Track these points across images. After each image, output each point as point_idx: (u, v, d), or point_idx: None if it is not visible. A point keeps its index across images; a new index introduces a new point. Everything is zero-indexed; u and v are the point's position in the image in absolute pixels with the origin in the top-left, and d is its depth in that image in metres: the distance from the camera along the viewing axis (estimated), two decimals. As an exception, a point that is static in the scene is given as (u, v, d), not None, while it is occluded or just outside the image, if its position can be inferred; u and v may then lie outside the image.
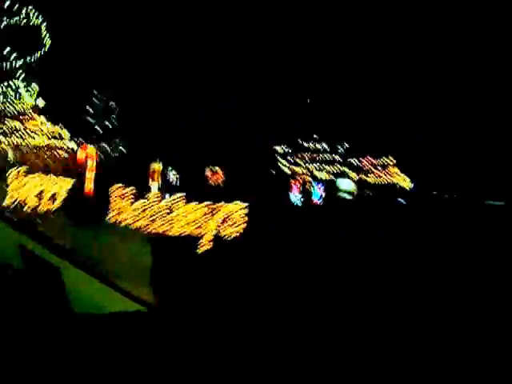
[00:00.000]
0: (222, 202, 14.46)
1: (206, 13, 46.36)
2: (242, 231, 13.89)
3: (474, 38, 41.72)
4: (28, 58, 33.66)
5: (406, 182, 47.09)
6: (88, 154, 16.14)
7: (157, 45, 47.90)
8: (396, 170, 47.66)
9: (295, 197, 29.21)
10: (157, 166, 19.55)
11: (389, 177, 46.89)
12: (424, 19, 43.78)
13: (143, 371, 3.39)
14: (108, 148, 55.92)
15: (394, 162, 47.37)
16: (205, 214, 13.42)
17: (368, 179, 47.16)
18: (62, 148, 44.84)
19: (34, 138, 33.15)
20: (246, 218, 13.97)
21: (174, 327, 4.38)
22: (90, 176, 15.47)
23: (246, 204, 14.39)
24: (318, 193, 30.41)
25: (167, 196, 18.90)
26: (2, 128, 30.50)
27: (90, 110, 55.52)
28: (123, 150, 57.40)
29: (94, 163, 16.08)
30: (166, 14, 46.39)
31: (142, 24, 45.59)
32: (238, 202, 14.63)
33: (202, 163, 51.04)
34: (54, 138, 44.59)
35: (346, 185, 45.34)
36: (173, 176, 53.85)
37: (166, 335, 4.10)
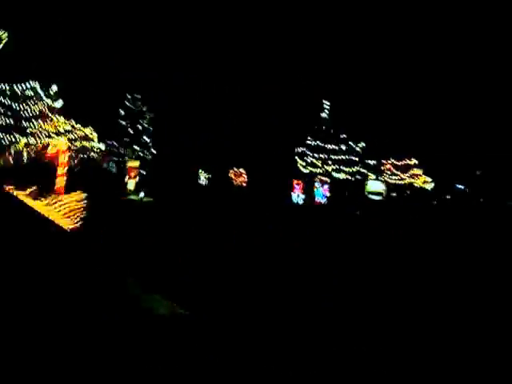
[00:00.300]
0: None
1: (236, 27, 47.38)
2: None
3: (499, 45, 40.84)
4: (45, 59, 35.11)
5: (428, 183, 46.46)
6: (60, 150, 16.85)
7: (186, 54, 49.52)
8: (419, 171, 47.07)
9: (297, 197, 29.71)
10: (133, 163, 20.03)
11: (412, 178, 46.36)
12: (447, 24, 43.22)
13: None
14: (140, 151, 58.05)
15: (417, 162, 46.79)
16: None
17: (391, 180, 46.81)
18: (91, 149, 47.01)
19: (52, 138, 34.78)
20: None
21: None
22: (61, 172, 16.12)
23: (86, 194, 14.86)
24: (321, 192, 30.74)
25: (142, 194, 19.75)
26: (20, 128, 31.99)
27: (121, 112, 57.96)
28: (154, 152, 59.50)
29: (66, 158, 16.83)
30: (199, 25, 47.79)
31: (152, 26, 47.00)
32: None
33: (228, 166, 52.36)
34: (85, 139, 46.84)
35: (376, 186, 45.19)
36: (204, 178, 55.49)
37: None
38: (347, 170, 43.64)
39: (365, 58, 44.19)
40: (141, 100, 59.04)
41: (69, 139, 43.36)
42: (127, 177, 19.74)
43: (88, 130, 46.10)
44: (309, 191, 29.65)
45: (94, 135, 47.17)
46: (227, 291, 6.53)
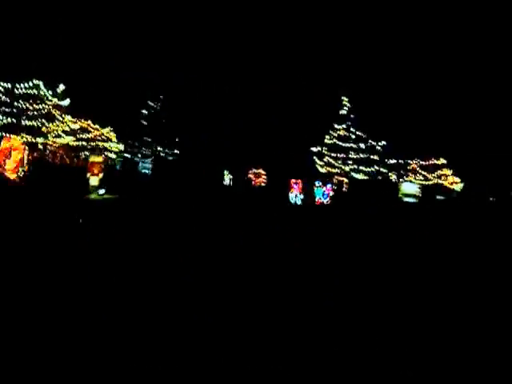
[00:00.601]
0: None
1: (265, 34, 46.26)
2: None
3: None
4: (52, 57, 34.89)
5: (457, 184, 43.50)
6: (13, 146, 16.17)
7: (203, 52, 48.63)
8: (448, 171, 44.13)
9: (295, 196, 27.79)
10: (96, 158, 18.65)
11: (439, 179, 43.51)
12: (478, 19, 40.30)
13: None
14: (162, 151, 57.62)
15: (445, 162, 43.91)
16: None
17: (416, 181, 44.12)
18: (109, 149, 46.74)
19: (60, 137, 34.47)
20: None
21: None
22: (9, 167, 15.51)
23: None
24: (320, 191, 28.72)
25: (101, 191, 18.48)
26: (24, 126, 31.76)
27: (144, 111, 57.66)
28: (177, 152, 58.96)
29: (20, 155, 16.09)
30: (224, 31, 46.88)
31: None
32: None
33: (247, 166, 51.06)
34: (103, 140, 46.64)
35: (410, 188, 43.09)
36: (228, 179, 54.41)
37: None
38: (366, 169, 41.34)
39: (385, 48, 41.73)
40: (161, 100, 58.77)
41: (81, 139, 43.38)
42: (89, 173, 18.41)
43: (105, 130, 45.94)
44: (309, 190, 27.70)
45: (112, 135, 46.98)
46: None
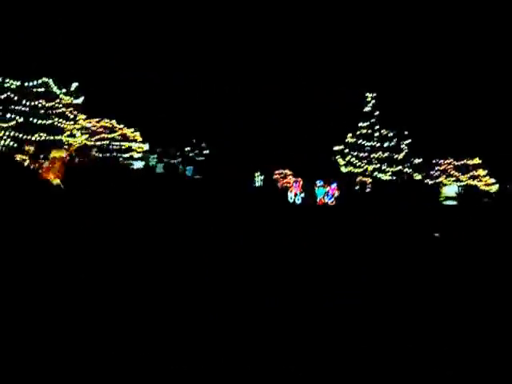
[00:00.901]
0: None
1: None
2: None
3: None
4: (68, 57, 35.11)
5: (492, 186, 40.61)
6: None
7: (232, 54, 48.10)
8: (482, 171, 41.26)
9: (295, 196, 26.48)
10: (58, 153, 17.74)
11: (472, 180, 40.75)
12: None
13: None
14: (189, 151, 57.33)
15: (480, 162, 41.09)
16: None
17: (448, 182, 41.59)
18: (135, 150, 46.86)
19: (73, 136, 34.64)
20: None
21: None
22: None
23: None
24: (322, 191, 27.26)
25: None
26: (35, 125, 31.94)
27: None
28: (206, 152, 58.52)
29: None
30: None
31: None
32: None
33: (274, 167, 49.98)
34: (128, 140, 46.82)
35: (451, 191, 41.37)
36: (259, 180, 53.61)
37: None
38: (391, 169, 39.25)
39: (413, 39, 39.56)
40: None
41: (104, 138, 43.72)
42: (51, 173, 17.78)
43: (130, 130, 46.08)
44: (309, 190, 26.38)
45: (137, 135, 47.05)
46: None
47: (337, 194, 28.01)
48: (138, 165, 46.54)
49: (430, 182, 40.69)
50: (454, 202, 40.80)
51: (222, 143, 55.31)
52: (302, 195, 26.34)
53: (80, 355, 3.99)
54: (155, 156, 52.37)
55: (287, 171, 49.43)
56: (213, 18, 46.97)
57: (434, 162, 41.91)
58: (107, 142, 43.91)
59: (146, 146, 48.64)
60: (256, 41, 46.82)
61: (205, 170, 45.39)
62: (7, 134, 31.96)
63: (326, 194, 27.47)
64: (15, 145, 31.96)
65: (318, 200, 26.89)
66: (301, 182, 26.59)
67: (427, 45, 40.32)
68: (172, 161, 53.82)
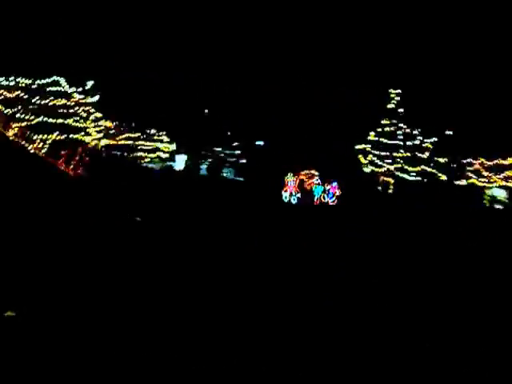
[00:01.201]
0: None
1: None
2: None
3: None
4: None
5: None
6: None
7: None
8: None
9: (290, 196, 25.35)
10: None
11: (506, 181, 37.97)
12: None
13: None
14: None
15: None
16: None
17: (480, 183, 38.98)
18: (162, 150, 47.01)
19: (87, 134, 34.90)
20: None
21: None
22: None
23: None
24: (320, 189, 26.05)
25: None
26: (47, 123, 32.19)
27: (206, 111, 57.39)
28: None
29: None
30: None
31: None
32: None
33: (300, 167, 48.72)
34: (154, 140, 47.02)
35: (499, 193, 39.30)
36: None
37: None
38: (414, 169, 37.15)
39: (440, 30, 37.32)
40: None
41: (131, 138, 44.05)
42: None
43: (153, 130, 46.23)
44: (306, 188, 25.30)
45: (163, 134, 47.10)
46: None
47: (338, 192, 26.78)
48: (180, 165, 46.46)
49: (460, 183, 38.21)
50: (501, 206, 38.47)
51: (257, 145, 54.49)
52: (298, 195, 25.20)
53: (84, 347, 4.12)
54: (188, 157, 51.89)
55: (314, 172, 48.06)
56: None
57: (466, 161, 39.34)
58: (131, 142, 44.13)
59: (172, 146, 48.38)
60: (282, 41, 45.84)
61: (246, 172, 44.74)
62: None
63: (327, 192, 26.32)
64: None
65: (315, 199, 25.74)
66: (297, 182, 25.47)
67: (455, 37, 37.94)
68: (203, 161, 53.67)
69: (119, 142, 42.30)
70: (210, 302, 5.59)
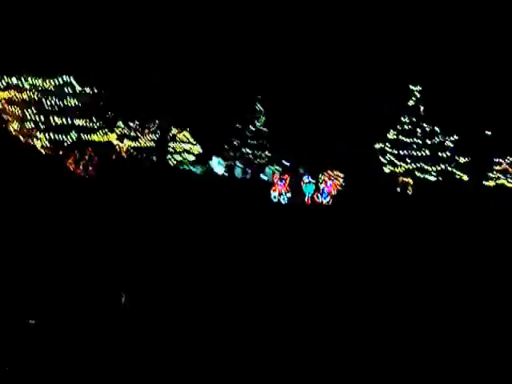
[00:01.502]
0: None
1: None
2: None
3: None
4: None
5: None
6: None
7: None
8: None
9: (279, 195, 24.44)
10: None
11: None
12: None
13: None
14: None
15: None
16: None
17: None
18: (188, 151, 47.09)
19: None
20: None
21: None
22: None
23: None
24: (311, 187, 25.00)
25: None
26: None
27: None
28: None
29: None
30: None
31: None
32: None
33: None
34: (181, 141, 47.01)
35: None
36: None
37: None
38: (433, 169, 35.29)
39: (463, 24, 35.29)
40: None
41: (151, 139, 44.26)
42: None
43: (175, 131, 46.12)
44: (296, 188, 24.44)
45: (187, 135, 46.99)
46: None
47: (334, 192, 25.69)
48: (219, 170, 45.96)
49: (487, 184, 35.96)
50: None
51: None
52: (288, 195, 24.26)
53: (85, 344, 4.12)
54: (220, 159, 51.47)
55: (338, 173, 46.70)
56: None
57: (495, 160, 37.02)
58: (154, 144, 44.22)
59: (198, 148, 47.98)
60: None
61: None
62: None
63: (320, 192, 25.30)
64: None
65: (305, 199, 24.75)
66: (287, 181, 24.53)
67: (479, 33, 35.87)
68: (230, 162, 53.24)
69: (143, 144, 42.34)
70: (207, 302, 5.70)
